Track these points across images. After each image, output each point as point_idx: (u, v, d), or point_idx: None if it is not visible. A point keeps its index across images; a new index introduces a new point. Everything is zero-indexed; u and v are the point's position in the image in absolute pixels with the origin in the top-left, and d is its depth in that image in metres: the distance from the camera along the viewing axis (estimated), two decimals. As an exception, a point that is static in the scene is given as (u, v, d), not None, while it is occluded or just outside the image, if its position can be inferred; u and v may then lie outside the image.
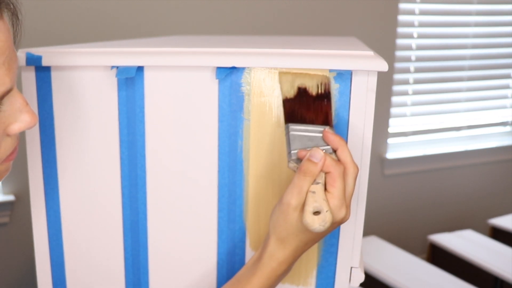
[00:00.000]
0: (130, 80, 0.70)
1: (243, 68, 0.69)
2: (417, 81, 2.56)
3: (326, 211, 0.62)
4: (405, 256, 2.23)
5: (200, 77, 0.70)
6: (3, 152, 0.59)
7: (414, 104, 2.59)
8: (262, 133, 0.71)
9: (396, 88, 2.53)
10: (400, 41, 2.47)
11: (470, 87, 2.69)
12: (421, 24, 2.50)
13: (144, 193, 0.74)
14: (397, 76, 2.51)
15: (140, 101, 0.71)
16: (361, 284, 2.13)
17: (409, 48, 2.50)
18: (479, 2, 2.57)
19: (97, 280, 0.78)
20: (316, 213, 0.62)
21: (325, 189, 0.63)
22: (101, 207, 0.75)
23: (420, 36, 2.51)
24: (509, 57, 2.72)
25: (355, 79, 0.69)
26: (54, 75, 0.71)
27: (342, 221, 0.64)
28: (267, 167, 0.72)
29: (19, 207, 1.94)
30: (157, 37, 1.25)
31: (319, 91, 0.68)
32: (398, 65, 2.49)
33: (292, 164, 0.65)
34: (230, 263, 0.76)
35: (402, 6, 2.43)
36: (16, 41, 0.60)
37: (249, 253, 0.75)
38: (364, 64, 0.67)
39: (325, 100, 0.68)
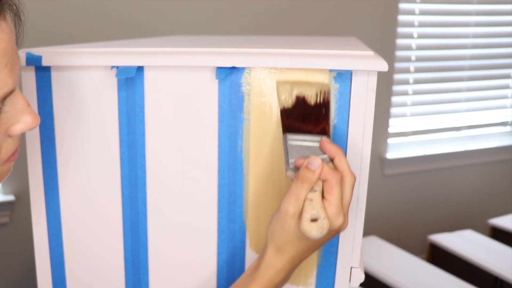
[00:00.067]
0: (130, 80, 0.70)
1: (243, 68, 0.69)
2: (417, 81, 2.56)
3: (324, 218, 0.62)
4: (405, 256, 2.23)
5: (200, 77, 0.70)
6: (4, 153, 0.59)
7: (414, 104, 2.59)
8: (262, 133, 0.71)
9: (396, 88, 2.53)
10: (400, 41, 2.47)
11: (470, 87, 2.68)
12: (421, 24, 2.50)
13: (144, 193, 0.74)
14: (397, 76, 2.51)
15: (140, 101, 0.71)
16: (361, 284, 2.13)
17: (409, 48, 2.50)
18: (479, 2, 2.57)
19: (97, 280, 0.78)
20: (314, 220, 0.62)
21: (323, 196, 0.63)
22: (101, 207, 0.75)
23: (420, 36, 2.51)
24: (509, 57, 2.72)
25: (355, 79, 0.69)
26: (54, 75, 0.71)
27: (340, 229, 0.64)
28: (267, 167, 0.72)
29: (19, 207, 1.94)
30: (157, 37, 1.25)
31: (318, 100, 0.68)
32: (398, 65, 2.49)
33: (290, 173, 0.66)
34: (230, 263, 0.76)
35: (402, 6, 2.43)
36: (19, 42, 0.60)
37: (249, 253, 0.75)
38: (364, 64, 0.67)
39: (323, 109, 0.68)
